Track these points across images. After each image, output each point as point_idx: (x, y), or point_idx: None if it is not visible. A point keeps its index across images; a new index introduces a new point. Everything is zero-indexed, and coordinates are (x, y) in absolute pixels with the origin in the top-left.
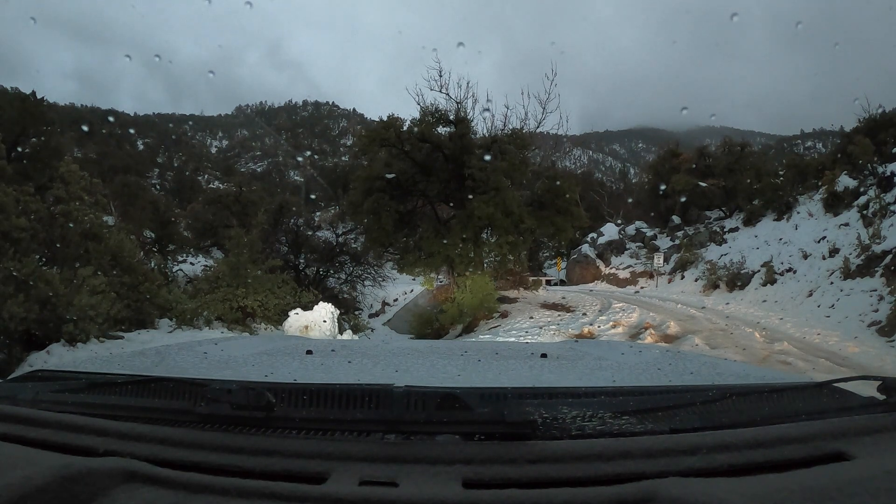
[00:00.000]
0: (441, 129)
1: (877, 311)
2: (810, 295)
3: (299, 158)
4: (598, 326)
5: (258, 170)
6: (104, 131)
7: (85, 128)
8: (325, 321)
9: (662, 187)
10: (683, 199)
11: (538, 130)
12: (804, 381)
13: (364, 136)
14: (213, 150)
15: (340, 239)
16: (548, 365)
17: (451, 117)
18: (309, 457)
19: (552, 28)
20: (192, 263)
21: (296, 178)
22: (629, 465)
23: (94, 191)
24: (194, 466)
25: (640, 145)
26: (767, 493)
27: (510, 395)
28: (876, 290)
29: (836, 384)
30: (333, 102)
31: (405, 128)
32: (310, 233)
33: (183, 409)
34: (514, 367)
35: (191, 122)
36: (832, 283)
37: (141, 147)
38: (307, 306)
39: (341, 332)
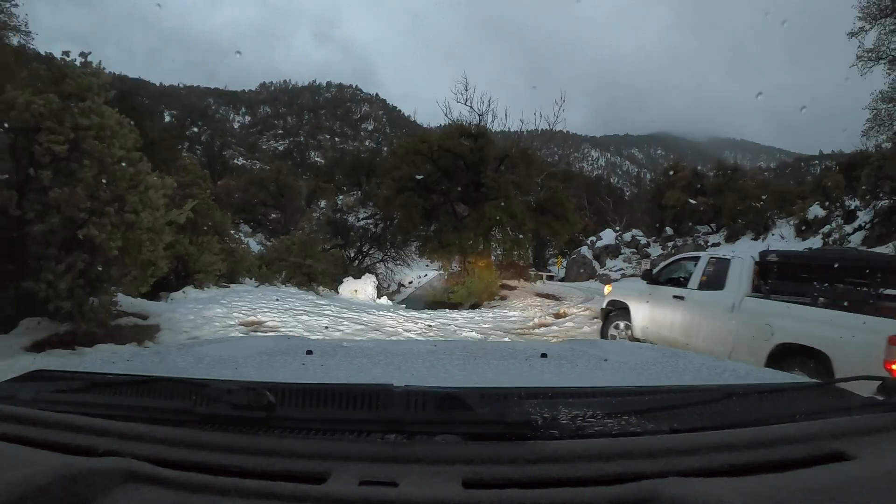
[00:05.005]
0: (464, 141)
1: None
2: None
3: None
4: (573, 309)
5: (280, 148)
6: (145, 100)
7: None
8: (368, 288)
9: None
10: (674, 214)
11: (556, 129)
12: (804, 381)
13: (402, 147)
14: (236, 126)
15: (360, 223)
16: (548, 365)
17: (473, 131)
18: (309, 457)
19: (579, 28)
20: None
21: (317, 158)
22: (629, 465)
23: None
24: (194, 466)
25: (658, 151)
26: (767, 493)
27: (510, 395)
28: None
29: (836, 384)
30: (357, 86)
31: (434, 139)
32: (344, 218)
33: (183, 409)
34: (514, 367)
35: (214, 97)
36: None
37: (168, 119)
38: (355, 276)
39: (379, 296)
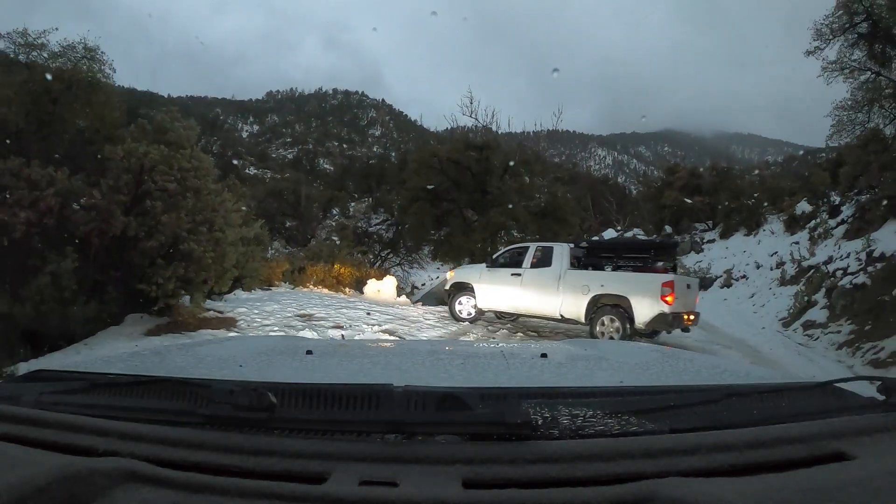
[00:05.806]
0: (470, 153)
1: (790, 309)
2: (752, 296)
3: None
4: None
5: (289, 156)
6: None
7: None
8: (390, 288)
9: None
10: (672, 212)
11: (562, 130)
12: (804, 381)
13: (415, 160)
14: (245, 135)
15: (373, 229)
16: (548, 365)
17: (479, 142)
18: (309, 457)
19: (583, 28)
20: None
21: (326, 166)
22: (629, 465)
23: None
24: (194, 466)
25: (665, 148)
26: (767, 493)
27: (510, 395)
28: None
29: (836, 384)
30: (363, 92)
31: (443, 153)
32: (364, 227)
33: (184, 410)
34: (514, 366)
35: (222, 107)
36: (770, 288)
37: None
38: (378, 277)
39: (398, 296)
